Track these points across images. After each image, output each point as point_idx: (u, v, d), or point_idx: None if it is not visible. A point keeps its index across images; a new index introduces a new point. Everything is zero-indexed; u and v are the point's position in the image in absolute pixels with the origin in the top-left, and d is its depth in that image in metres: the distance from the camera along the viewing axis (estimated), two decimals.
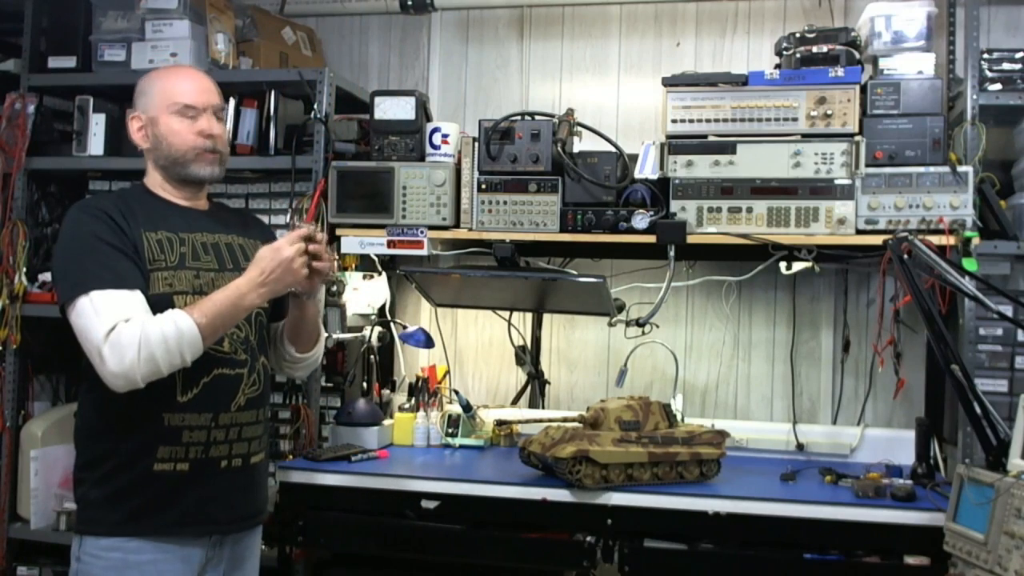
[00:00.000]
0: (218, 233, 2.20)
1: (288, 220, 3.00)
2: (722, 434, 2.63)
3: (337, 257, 3.08)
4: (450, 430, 3.00)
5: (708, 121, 2.84)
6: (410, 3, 3.45)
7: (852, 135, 2.74)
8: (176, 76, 2.20)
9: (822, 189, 2.74)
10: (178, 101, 2.14)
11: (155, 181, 2.20)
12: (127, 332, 1.91)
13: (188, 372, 2.03)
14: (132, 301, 1.96)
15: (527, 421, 2.95)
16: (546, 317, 3.44)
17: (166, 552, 2.04)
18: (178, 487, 2.05)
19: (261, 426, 2.21)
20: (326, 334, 2.41)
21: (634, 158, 2.94)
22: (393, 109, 3.05)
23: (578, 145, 3.04)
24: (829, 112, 2.75)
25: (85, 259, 1.99)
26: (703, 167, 2.83)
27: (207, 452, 2.08)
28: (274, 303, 2.27)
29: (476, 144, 2.99)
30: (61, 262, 2.05)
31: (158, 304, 2.00)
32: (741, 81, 2.84)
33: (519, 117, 2.95)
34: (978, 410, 2.30)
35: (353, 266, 3.22)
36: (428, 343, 3.16)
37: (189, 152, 2.14)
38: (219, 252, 2.17)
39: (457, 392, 3.11)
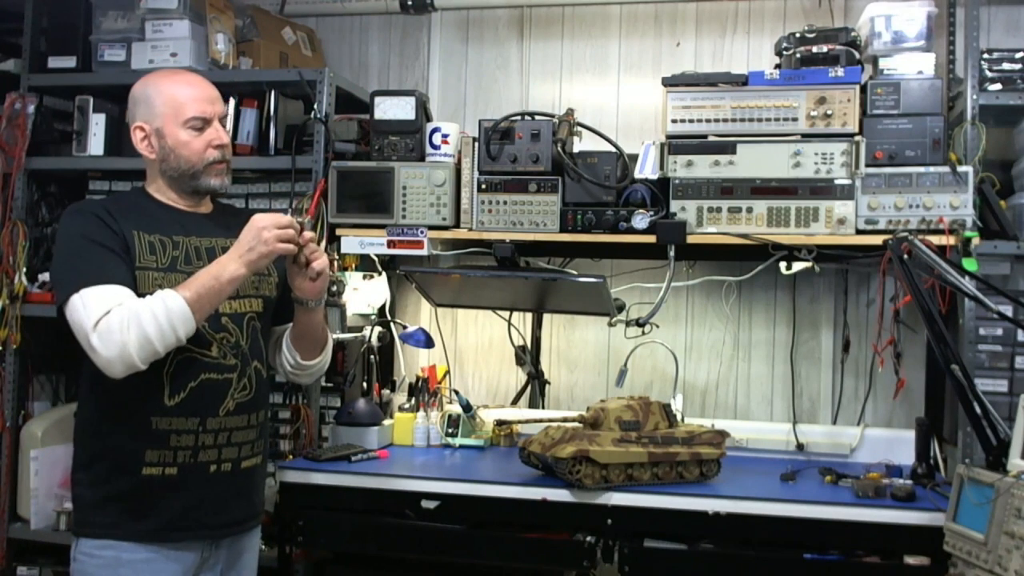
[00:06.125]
0: (216, 237, 2.19)
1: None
2: (722, 434, 2.63)
3: (337, 257, 3.08)
4: (450, 430, 3.00)
5: (708, 121, 2.84)
6: (410, 3, 3.46)
7: (852, 135, 2.74)
8: (179, 84, 2.15)
9: (822, 189, 2.74)
10: (187, 114, 2.11)
11: (157, 187, 2.19)
12: (116, 316, 1.92)
13: (175, 376, 2.04)
14: (119, 293, 1.97)
15: (527, 421, 2.95)
16: (546, 317, 3.44)
17: (159, 552, 2.05)
18: (167, 492, 2.05)
19: (255, 431, 2.18)
20: (332, 339, 2.39)
21: (634, 158, 2.94)
22: (393, 109, 3.05)
23: (578, 145, 3.04)
24: (829, 112, 2.75)
25: (75, 260, 2.01)
26: (703, 167, 2.83)
27: (195, 457, 2.07)
28: (275, 307, 2.27)
29: (476, 144, 2.99)
30: (55, 266, 2.11)
31: None
32: (741, 81, 2.84)
33: (519, 117, 2.95)
34: (978, 410, 2.30)
35: (353, 266, 3.22)
36: (428, 343, 3.16)
37: (199, 164, 2.13)
38: (213, 256, 2.14)
39: (457, 392, 3.11)
